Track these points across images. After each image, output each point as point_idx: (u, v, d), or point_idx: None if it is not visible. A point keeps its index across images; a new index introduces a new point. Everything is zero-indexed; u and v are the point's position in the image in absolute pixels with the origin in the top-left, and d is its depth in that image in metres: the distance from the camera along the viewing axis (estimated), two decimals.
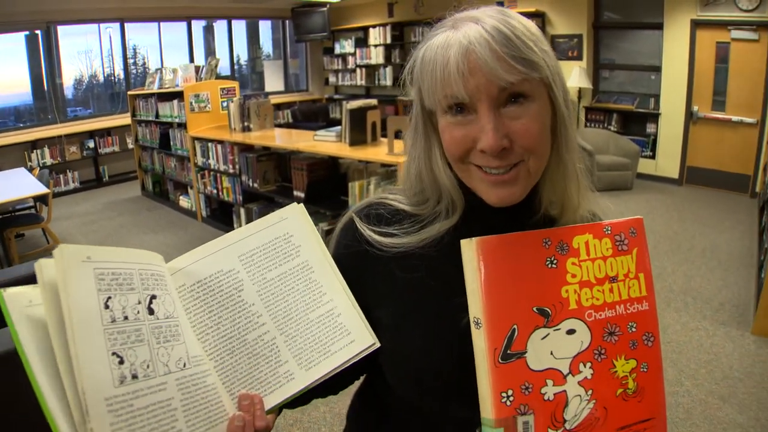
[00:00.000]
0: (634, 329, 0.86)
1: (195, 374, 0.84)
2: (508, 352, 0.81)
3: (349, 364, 0.93)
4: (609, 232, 0.87)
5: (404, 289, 0.96)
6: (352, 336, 0.94)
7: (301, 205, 1.00)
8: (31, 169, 7.33)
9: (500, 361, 0.80)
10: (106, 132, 9.96)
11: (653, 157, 8.41)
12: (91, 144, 9.75)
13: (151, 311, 0.81)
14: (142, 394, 0.74)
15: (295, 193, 5.31)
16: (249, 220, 6.18)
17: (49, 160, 9.28)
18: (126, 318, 0.77)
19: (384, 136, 4.71)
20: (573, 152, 0.89)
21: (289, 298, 0.94)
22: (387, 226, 0.97)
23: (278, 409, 0.92)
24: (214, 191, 6.83)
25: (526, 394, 0.81)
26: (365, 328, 0.95)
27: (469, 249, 0.83)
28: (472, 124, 0.83)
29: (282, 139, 5.94)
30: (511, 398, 0.80)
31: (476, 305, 0.82)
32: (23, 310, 0.72)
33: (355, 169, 4.89)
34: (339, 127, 5.11)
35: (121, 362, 0.74)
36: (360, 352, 0.94)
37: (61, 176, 9.48)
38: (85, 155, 9.75)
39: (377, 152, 4.49)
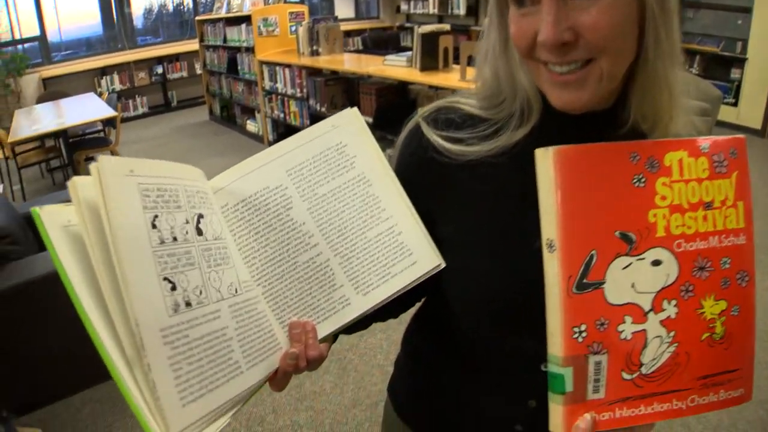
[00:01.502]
0: (727, 265, 0.74)
1: (247, 300, 0.77)
2: (584, 281, 0.71)
3: (411, 287, 0.85)
4: (706, 150, 0.75)
5: (473, 202, 0.87)
6: (415, 256, 0.85)
7: (355, 109, 0.89)
8: (100, 95, 7.53)
9: (574, 291, 0.70)
10: (175, 58, 10.11)
11: (735, 104, 7.85)
12: (160, 70, 9.94)
13: (199, 231, 0.74)
14: (197, 323, 0.68)
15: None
16: None
17: (118, 86, 9.54)
18: (175, 239, 0.69)
19: (456, 62, 4.58)
20: (665, 56, 0.75)
21: (344, 215, 0.85)
22: (457, 131, 0.87)
23: (333, 337, 0.85)
24: (281, 115, 6.85)
25: (601, 330, 0.71)
26: (429, 247, 0.86)
27: (545, 160, 0.71)
28: (535, 15, 0.72)
29: (351, 63, 5.85)
30: (584, 334, 0.70)
31: (550, 226, 0.71)
32: (62, 229, 0.65)
33: (425, 96, 4.78)
34: (410, 52, 4.97)
35: (174, 288, 0.67)
36: (423, 274, 0.85)
37: (130, 101, 9.74)
38: (154, 81, 9.97)
39: (448, 78, 4.35)
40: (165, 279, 0.66)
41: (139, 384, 0.61)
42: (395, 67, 5.07)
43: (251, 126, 7.85)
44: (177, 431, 0.62)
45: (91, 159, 7.20)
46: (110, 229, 0.62)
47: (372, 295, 0.83)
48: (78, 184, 0.64)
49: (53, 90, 8.43)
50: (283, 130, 7.22)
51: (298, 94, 6.31)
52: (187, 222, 0.72)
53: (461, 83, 4.12)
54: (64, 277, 0.62)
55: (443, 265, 0.85)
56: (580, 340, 0.70)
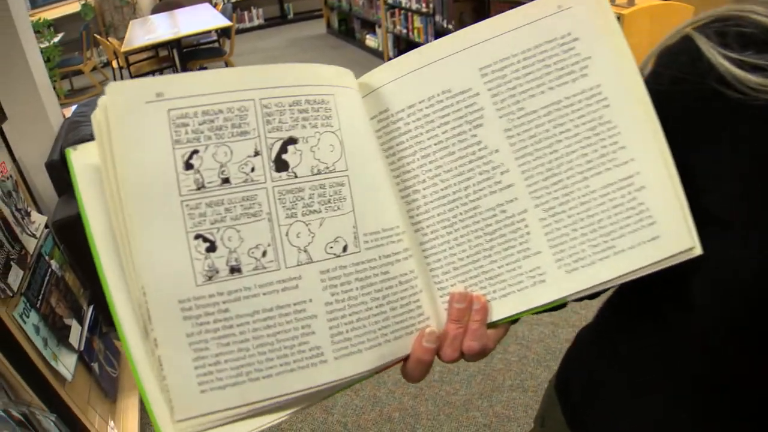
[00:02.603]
0: None
1: (366, 261, 0.56)
2: None
3: (643, 274, 0.57)
4: None
5: (762, 167, 0.54)
6: (659, 228, 0.56)
7: None
8: (215, 6, 7.73)
9: None
10: None
11: None
12: None
13: (281, 166, 0.54)
14: (247, 294, 0.52)
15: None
16: None
17: None
18: (226, 181, 0.52)
19: None
20: None
21: (560, 147, 0.58)
22: (757, 53, 0.54)
23: (510, 322, 0.61)
24: (404, 31, 6.66)
25: None
26: (684, 219, 0.56)
27: None
28: None
29: None
30: None
31: None
32: (96, 174, 0.52)
33: None
34: None
35: (211, 249, 0.51)
36: (665, 259, 0.56)
37: (246, 13, 9.90)
38: None
39: None
40: (198, 237, 0.51)
41: (150, 359, 0.52)
42: None
43: (371, 41, 7.70)
44: (184, 417, 0.50)
45: (205, 68, 7.38)
46: (116, 174, 0.49)
47: (579, 274, 0.58)
48: (99, 119, 0.51)
49: (168, 1, 8.61)
50: (405, 47, 7.03)
51: (424, 9, 6.08)
52: (257, 154, 0.53)
53: (611, 7, 3.86)
54: (87, 230, 0.52)
55: (699, 252, 0.56)
56: None
